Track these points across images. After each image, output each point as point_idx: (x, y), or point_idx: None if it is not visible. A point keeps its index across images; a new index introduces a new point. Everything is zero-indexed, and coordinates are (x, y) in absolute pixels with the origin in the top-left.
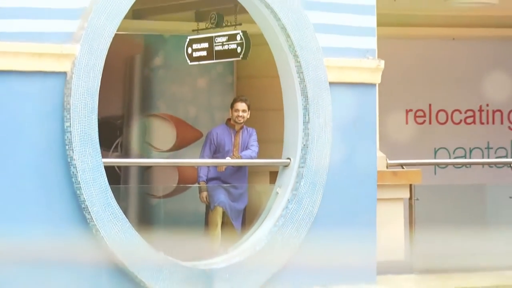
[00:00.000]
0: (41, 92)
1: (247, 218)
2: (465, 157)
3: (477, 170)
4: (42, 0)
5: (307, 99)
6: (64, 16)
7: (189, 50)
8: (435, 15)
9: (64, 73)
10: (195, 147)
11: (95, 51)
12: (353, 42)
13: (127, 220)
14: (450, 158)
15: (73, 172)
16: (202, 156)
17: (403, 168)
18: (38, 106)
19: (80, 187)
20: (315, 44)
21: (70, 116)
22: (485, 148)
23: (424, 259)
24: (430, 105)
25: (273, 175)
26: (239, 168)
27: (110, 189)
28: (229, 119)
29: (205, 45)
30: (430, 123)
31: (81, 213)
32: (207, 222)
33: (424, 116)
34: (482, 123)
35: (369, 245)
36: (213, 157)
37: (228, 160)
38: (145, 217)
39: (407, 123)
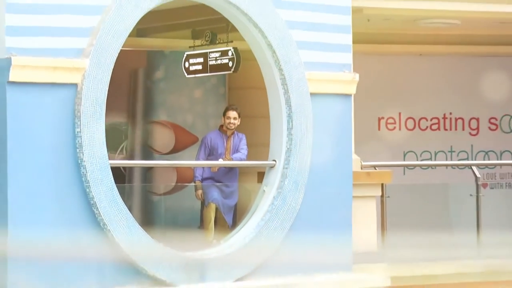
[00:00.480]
0: (55, 101)
1: (237, 213)
2: (430, 159)
3: (441, 171)
4: (56, 20)
5: (291, 108)
6: (75, 34)
7: (186, 64)
8: (404, 33)
9: (75, 85)
10: (191, 150)
11: (102, 65)
12: (331, 57)
13: (131, 215)
14: (417, 160)
15: (83, 172)
16: (197, 158)
17: (375, 169)
18: (53, 113)
19: (89, 185)
20: (298, 59)
21: (80, 122)
22: (448, 151)
23: (394, 250)
24: (400, 113)
25: (261, 175)
26: (230, 169)
27: (116, 188)
28: (221, 126)
29: (201, 60)
30: (400, 129)
31: (90, 209)
32: (202, 217)
33: (395, 123)
34: (445, 130)
35: (346, 237)
36: (207, 159)
37: (220, 161)
38: (147, 212)
39: (379, 129)
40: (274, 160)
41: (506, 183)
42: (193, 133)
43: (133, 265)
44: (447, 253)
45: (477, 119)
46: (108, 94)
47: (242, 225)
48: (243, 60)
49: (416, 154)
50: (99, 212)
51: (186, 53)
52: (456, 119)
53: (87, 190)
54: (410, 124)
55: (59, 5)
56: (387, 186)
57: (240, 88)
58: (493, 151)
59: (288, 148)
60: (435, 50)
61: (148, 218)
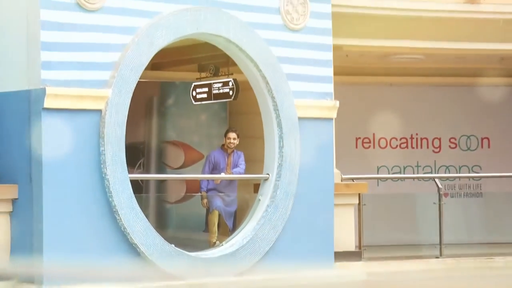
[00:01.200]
0: (82, 124)
1: (237, 218)
2: (400, 173)
3: (409, 183)
4: (83, 56)
5: (282, 130)
6: (100, 68)
7: (194, 93)
8: (377, 67)
9: (100, 111)
10: (198, 166)
11: (123, 94)
12: (316, 87)
13: (147, 220)
14: (389, 173)
15: (106, 184)
16: (203, 172)
17: (353, 181)
18: (81, 135)
19: (112, 195)
20: (287, 89)
21: (104, 142)
22: (415, 166)
23: (370, 249)
24: (373, 134)
25: (256, 187)
26: (231, 181)
27: (134, 197)
28: (223, 145)
29: (206, 89)
30: (374, 147)
31: (112, 215)
32: (207, 222)
33: (369, 142)
34: (412, 148)
35: (328, 239)
36: (211, 173)
37: (222, 175)
38: (161, 218)
39: (356, 147)
40: (268, 174)
41: (464, 193)
42: (200, 151)
43: (148, 262)
44: (414, 252)
45: (439, 139)
46: (127, 118)
47: (241, 228)
48: (241, 89)
49: (387, 168)
50: (120, 217)
51: (194, 83)
52: (421, 139)
53: (110, 199)
54: (383, 143)
55: (85, 43)
56: (363, 195)
57: (239, 113)
58: (453, 166)
59: (279, 164)
60: (403, 81)
61: (162, 223)
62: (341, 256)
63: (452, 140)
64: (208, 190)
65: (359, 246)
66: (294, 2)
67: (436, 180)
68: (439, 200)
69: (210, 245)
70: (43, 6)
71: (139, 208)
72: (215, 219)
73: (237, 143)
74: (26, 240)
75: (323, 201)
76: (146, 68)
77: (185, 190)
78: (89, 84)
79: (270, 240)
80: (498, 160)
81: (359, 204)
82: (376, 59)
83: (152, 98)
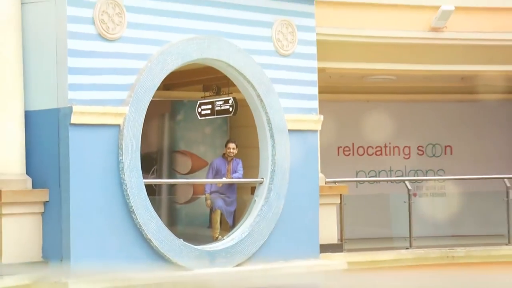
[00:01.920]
0: (104, 137)
1: (236, 216)
2: (375, 176)
3: (383, 185)
4: (104, 79)
5: (274, 141)
6: (118, 89)
7: (199, 110)
8: (355, 86)
9: (119, 125)
10: (203, 172)
11: (138, 111)
12: (303, 104)
13: (159, 218)
14: (366, 177)
15: (124, 188)
16: (207, 177)
17: (335, 184)
18: (102, 146)
19: (129, 198)
20: (279, 105)
21: (122, 152)
22: (388, 170)
23: (350, 242)
24: (353, 143)
25: (253, 189)
26: (231, 185)
27: (148, 199)
28: (224, 153)
29: (209, 106)
30: (353, 155)
31: (129, 215)
32: (210, 220)
33: (349, 150)
34: (386, 155)
35: (314, 233)
36: (214, 178)
37: (224, 179)
38: (171, 216)
39: (338, 155)
40: (262, 178)
41: (430, 193)
42: (204, 159)
43: (160, 254)
44: (387, 244)
45: (409, 147)
46: (142, 132)
47: (240, 225)
48: (240, 106)
49: (365, 173)
50: (136, 217)
51: (199, 101)
52: (393, 147)
53: (128, 201)
54: (361, 151)
55: (106, 68)
56: (344, 196)
57: (238, 126)
58: (420, 170)
59: (272, 169)
60: (378, 98)
61: (172, 221)
62: (325, 248)
63: (420, 148)
64: (211, 193)
65: (341, 239)
66: (284, 32)
67: (406, 182)
68: (409, 199)
69: (213, 239)
70: (70, 36)
71: (152, 208)
72: (217, 217)
73: (236, 152)
74: (56, 237)
75: (309, 201)
76: (158, 89)
77: (192, 192)
78: (109, 102)
79: (265, 235)
80: (459, 165)
81: (340, 203)
82: (355, 79)
83: (164, 114)
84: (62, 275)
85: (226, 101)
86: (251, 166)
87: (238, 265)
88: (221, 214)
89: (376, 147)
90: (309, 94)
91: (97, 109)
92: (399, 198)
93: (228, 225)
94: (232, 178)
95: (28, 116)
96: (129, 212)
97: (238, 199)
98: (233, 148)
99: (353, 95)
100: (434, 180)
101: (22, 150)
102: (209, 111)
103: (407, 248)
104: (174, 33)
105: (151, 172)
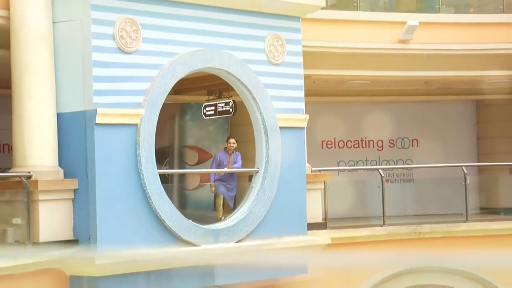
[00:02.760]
0: (124, 135)
1: (237, 200)
2: (354, 165)
3: (360, 173)
4: (123, 85)
5: (268, 136)
6: (135, 94)
7: (204, 111)
8: (336, 89)
9: (136, 125)
10: (208, 163)
11: (152, 113)
12: (291, 105)
13: (171, 202)
14: (345, 166)
15: (141, 177)
16: (211, 168)
17: (320, 172)
18: (123, 142)
19: (146, 185)
20: (271, 107)
21: (139, 147)
22: (365, 160)
23: (332, 221)
24: (334, 138)
25: (250, 177)
26: (231, 174)
27: (162, 186)
28: (226, 148)
29: (213, 108)
30: (334, 148)
31: (146, 200)
32: (215, 203)
33: (331, 144)
34: (363, 147)
35: (302, 214)
36: (217, 168)
37: (225, 169)
38: (181, 201)
39: (322, 148)
40: (258, 168)
41: (400, 179)
42: (209, 152)
43: (172, 233)
44: (364, 222)
45: (382, 141)
46: (156, 130)
47: (239, 208)
48: (238, 107)
49: (345, 162)
50: (152, 201)
51: (204, 104)
52: (368, 141)
53: (144, 188)
54: (341, 144)
55: (125, 76)
56: (328, 182)
57: (237, 125)
58: (392, 160)
59: (266, 160)
60: (355, 100)
61: (182, 205)
62: (312, 226)
63: (391, 141)
64: (215, 180)
65: (325, 219)
66: (275, 44)
67: (380, 170)
68: (382, 184)
69: (217, 220)
70: (94, 50)
71: (165, 194)
72: (220, 201)
73: (236, 146)
74: (84, 219)
75: (298, 187)
76: (169, 93)
77: (199, 180)
78: (128, 105)
79: (261, 216)
80: (425, 155)
81: (324, 188)
82: (336, 84)
83: (174, 115)
84: (90, 252)
85: (227, 103)
86: (249, 158)
87: (238, 241)
88: (224, 198)
89: (354, 141)
90: (297, 96)
91: (118, 111)
92: (374, 183)
93: (230, 208)
94: (232, 168)
95: (60, 117)
96: (146, 197)
97: (238, 186)
98: (233, 143)
99: (334, 97)
100: (403, 168)
101: (55, 146)
102: (212, 112)
103: (381, 226)
104: (182, 47)
105: (164, 163)
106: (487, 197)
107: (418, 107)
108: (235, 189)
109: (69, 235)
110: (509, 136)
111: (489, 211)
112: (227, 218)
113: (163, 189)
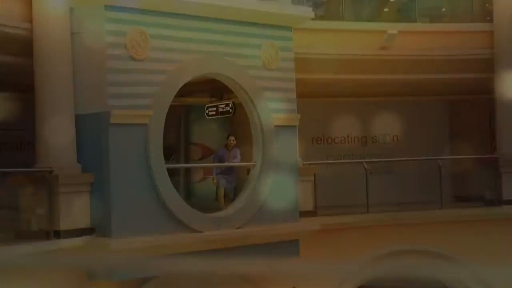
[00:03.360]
0: (135, 133)
1: (236, 191)
2: (341, 159)
3: (348, 166)
4: (135, 89)
5: (264, 134)
6: (145, 96)
7: (207, 111)
8: (325, 91)
9: (146, 124)
10: (210, 158)
11: (160, 113)
12: (285, 106)
13: (177, 193)
14: (334, 160)
15: (151, 171)
16: (213, 162)
17: (310, 165)
18: (134, 139)
19: (154, 178)
20: (267, 108)
21: (149, 144)
22: (351, 155)
23: (322, 209)
24: (323, 135)
25: (248, 171)
26: (231, 168)
27: (169, 179)
28: (226, 144)
29: (215, 108)
30: (324, 143)
31: (155, 191)
32: (217, 194)
33: (321, 140)
34: (349, 143)
35: (295, 203)
36: (219, 163)
37: (226, 164)
38: (187, 192)
39: (312, 143)
40: (255, 162)
41: (382, 171)
42: (212, 148)
43: (178, 220)
44: (350, 209)
45: (366, 137)
46: (164, 129)
47: (239, 198)
48: (237, 108)
49: (333, 157)
50: (160, 192)
51: (207, 105)
52: (354, 137)
53: (154, 181)
54: (329, 140)
55: (136, 81)
56: (317, 175)
57: (237, 124)
58: (374, 154)
59: (263, 155)
60: (342, 100)
61: (188, 195)
62: (303, 213)
63: (374, 137)
64: (217, 174)
65: (315, 207)
66: (269, 51)
67: (364, 163)
68: (366, 176)
69: (219, 209)
70: (108, 58)
71: (172, 186)
72: (221, 192)
73: (235, 143)
74: (100, 209)
75: (291, 179)
76: (175, 96)
77: (203, 174)
78: (138, 107)
79: (258, 205)
80: (404, 149)
81: (314, 180)
82: (324, 86)
83: (180, 115)
84: (105, 239)
85: (227, 105)
86: (247, 153)
87: (238, 228)
88: (225, 190)
89: (341, 137)
90: (289, 98)
91: (130, 112)
92: (359, 175)
93: (230, 198)
94: (232, 162)
95: (78, 118)
96: (155, 189)
97: (237, 178)
98: (233, 140)
99: (323, 98)
100: (385, 161)
101: (74, 144)
102: (214, 112)
103: (365, 213)
104: (186, 54)
105: (171, 159)
106: (460, 186)
107: (398, 107)
108: (235, 181)
109: (87, 224)
110: (479, 133)
111: (461, 199)
112: (228, 207)
113: (170, 181)
